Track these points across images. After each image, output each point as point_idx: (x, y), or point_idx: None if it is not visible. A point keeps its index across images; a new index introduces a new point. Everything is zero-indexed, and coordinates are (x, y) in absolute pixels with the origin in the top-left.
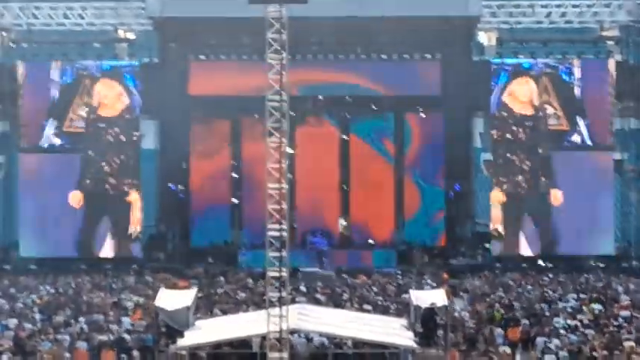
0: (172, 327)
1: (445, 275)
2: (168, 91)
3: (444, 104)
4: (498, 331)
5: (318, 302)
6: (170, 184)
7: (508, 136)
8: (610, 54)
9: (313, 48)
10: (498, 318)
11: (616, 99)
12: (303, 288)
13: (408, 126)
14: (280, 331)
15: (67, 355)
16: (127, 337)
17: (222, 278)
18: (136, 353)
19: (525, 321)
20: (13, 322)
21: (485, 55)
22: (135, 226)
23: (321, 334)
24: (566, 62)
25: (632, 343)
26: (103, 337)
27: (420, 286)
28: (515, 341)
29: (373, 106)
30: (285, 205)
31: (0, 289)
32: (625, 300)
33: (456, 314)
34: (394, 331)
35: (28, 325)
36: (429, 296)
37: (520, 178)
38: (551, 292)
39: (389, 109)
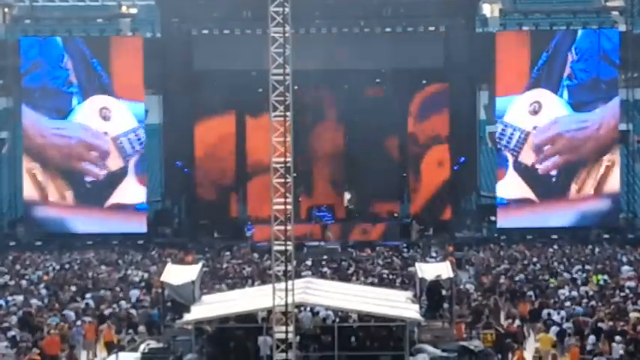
0: (178, 302)
1: (450, 248)
2: (172, 65)
3: (447, 77)
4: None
5: (323, 276)
6: (177, 162)
7: None
8: (614, 24)
9: (317, 22)
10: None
11: (620, 69)
12: (308, 262)
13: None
14: (286, 305)
15: (77, 328)
16: (133, 312)
17: (228, 253)
18: (142, 328)
19: (531, 293)
20: (19, 298)
21: (489, 27)
22: None
23: (326, 308)
24: None
25: (638, 314)
26: (109, 313)
27: (425, 259)
28: (525, 315)
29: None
30: (290, 179)
31: (6, 265)
32: (630, 271)
33: (462, 287)
34: (400, 304)
35: (34, 301)
36: (435, 269)
37: None
38: (556, 264)
39: (392, 82)
